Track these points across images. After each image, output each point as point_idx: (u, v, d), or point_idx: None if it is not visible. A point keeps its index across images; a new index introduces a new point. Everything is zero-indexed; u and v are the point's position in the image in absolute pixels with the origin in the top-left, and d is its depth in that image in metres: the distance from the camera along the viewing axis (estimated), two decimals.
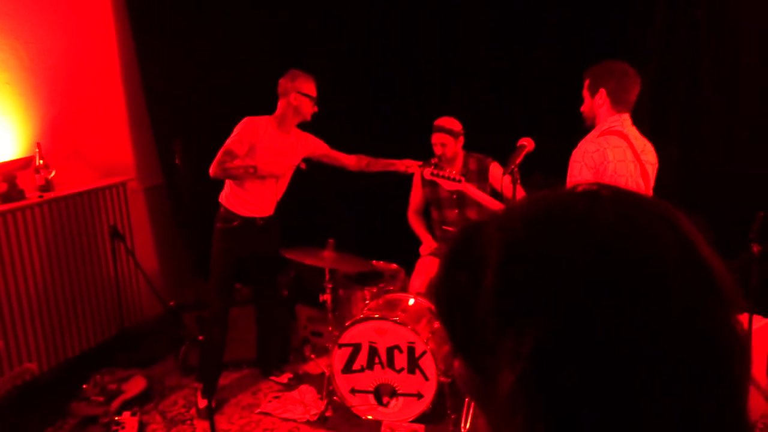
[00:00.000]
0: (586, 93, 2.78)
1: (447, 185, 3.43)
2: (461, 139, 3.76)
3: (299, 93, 3.54)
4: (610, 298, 0.53)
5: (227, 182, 3.63)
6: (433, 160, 3.74)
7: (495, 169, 3.73)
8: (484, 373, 0.60)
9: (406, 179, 4.02)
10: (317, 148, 3.83)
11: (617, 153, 2.63)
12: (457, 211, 3.88)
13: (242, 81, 4.57)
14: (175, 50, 4.68)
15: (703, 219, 0.63)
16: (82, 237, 4.14)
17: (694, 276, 0.56)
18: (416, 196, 4.03)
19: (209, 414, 3.11)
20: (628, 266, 0.54)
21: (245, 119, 3.54)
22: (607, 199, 0.59)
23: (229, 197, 3.64)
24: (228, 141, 3.47)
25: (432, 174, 3.45)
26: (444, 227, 3.93)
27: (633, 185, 2.68)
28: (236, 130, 3.51)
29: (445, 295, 0.65)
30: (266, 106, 3.66)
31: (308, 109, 3.58)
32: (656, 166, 2.81)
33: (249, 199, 3.62)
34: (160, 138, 4.74)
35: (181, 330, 4.27)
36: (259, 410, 3.70)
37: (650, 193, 2.80)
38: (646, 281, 0.54)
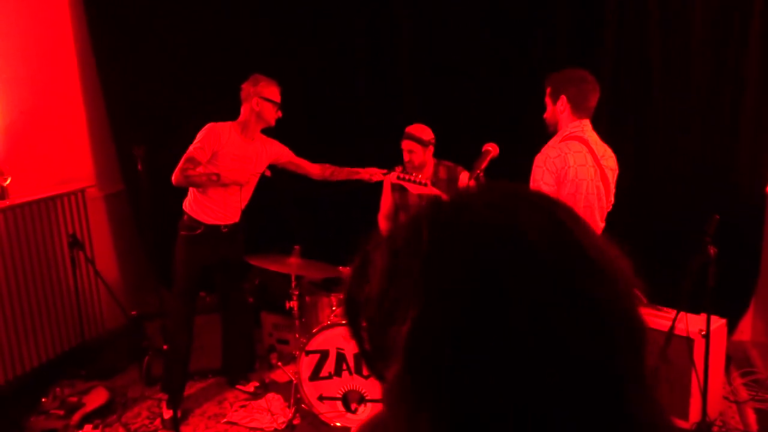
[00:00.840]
0: (548, 100, 2.84)
1: (413, 189, 3.43)
2: (431, 148, 3.77)
3: (261, 98, 3.50)
4: (489, 287, 0.53)
5: (190, 189, 3.57)
6: (398, 168, 3.75)
7: (465, 178, 3.74)
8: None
9: (373, 185, 4.02)
10: (282, 155, 3.79)
11: (578, 158, 2.68)
12: None
13: (206, 86, 4.52)
14: (136, 54, 4.61)
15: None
16: (40, 246, 4.04)
17: (578, 267, 0.56)
18: (386, 201, 4.04)
19: (175, 425, 3.06)
20: (507, 256, 0.54)
21: (208, 125, 3.48)
22: (491, 191, 0.61)
23: (193, 205, 3.58)
24: (190, 148, 3.41)
25: (398, 178, 3.44)
26: None
27: (593, 189, 2.74)
28: (199, 136, 3.45)
29: (350, 308, 0.64)
30: (230, 112, 3.62)
31: (271, 114, 3.54)
32: (616, 171, 2.87)
33: (213, 206, 3.56)
34: (121, 143, 4.65)
35: (143, 340, 4.19)
36: (225, 420, 3.65)
37: (611, 197, 2.87)
38: (524, 269, 0.54)
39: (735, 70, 3.80)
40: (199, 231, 3.56)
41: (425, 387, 0.54)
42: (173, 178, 3.37)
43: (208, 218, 3.57)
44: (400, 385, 0.56)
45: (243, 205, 3.65)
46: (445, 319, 0.53)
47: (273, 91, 3.54)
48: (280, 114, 3.57)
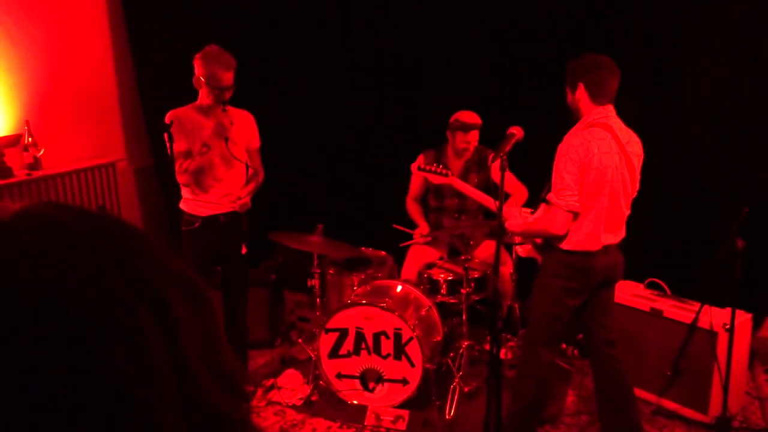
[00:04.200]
0: (568, 88, 2.81)
1: (435, 179, 3.44)
2: None
3: (200, 77, 3.27)
4: None
5: (182, 189, 3.46)
6: (422, 156, 3.81)
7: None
8: None
9: (399, 167, 4.02)
10: (251, 141, 3.54)
11: (602, 145, 2.65)
12: (457, 200, 3.93)
13: (239, 61, 4.54)
14: (168, 26, 4.64)
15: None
16: None
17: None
18: (416, 183, 4.05)
19: None
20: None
21: (169, 116, 3.31)
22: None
23: (187, 201, 3.46)
24: (169, 148, 3.24)
25: (419, 169, 3.46)
26: (443, 218, 4.01)
27: (618, 176, 2.70)
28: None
29: None
30: (253, 88, 3.63)
31: (207, 92, 3.27)
32: (642, 157, 2.83)
33: (204, 198, 3.40)
34: (151, 119, 4.71)
35: None
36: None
37: (636, 184, 2.83)
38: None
39: None
40: (197, 224, 3.42)
41: None
42: (180, 180, 3.33)
43: (203, 210, 3.42)
44: None
45: (237, 191, 3.42)
46: None
47: (208, 70, 3.24)
48: (222, 94, 3.24)
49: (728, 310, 3.05)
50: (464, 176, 3.87)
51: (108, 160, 4.44)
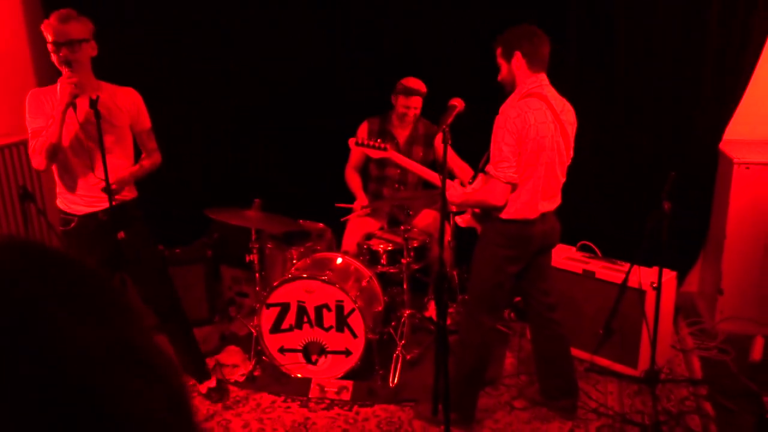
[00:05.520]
0: (501, 61, 2.81)
1: (373, 154, 3.37)
2: None
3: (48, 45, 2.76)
4: None
5: (57, 183, 3.01)
6: (363, 125, 3.76)
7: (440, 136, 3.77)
8: None
9: (336, 139, 3.97)
10: (138, 122, 3.07)
11: (538, 115, 2.69)
12: (399, 171, 3.92)
13: (166, 33, 4.35)
14: None
15: None
16: None
17: None
18: (357, 153, 4.00)
19: None
20: None
21: (28, 94, 2.89)
22: None
23: (60, 197, 3.01)
24: (29, 125, 2.85)
25: (357, 144, 3.39)
26: (383, 188, 4.01)
27: (554, 145, 2.76)
28: (26, 109, 2.86)
29: None
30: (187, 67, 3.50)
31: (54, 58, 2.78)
32: (575, 125, 2.90)
33: (79, 192, 2.95)
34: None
35: None
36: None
37: (570, 152, 2.90)
38: None
39: (699, 32, 3.82)
40: (73, 224, 2.98)
41: None
42: (34, 163, 2.85)
43: (80, 207, 2.97)
44: None
45: (114, 179, 2.89)
46: None
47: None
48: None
49: (655, 269, 3.19)
50: (408, 146, 3.87)
51: (27, 136, 4.18)
